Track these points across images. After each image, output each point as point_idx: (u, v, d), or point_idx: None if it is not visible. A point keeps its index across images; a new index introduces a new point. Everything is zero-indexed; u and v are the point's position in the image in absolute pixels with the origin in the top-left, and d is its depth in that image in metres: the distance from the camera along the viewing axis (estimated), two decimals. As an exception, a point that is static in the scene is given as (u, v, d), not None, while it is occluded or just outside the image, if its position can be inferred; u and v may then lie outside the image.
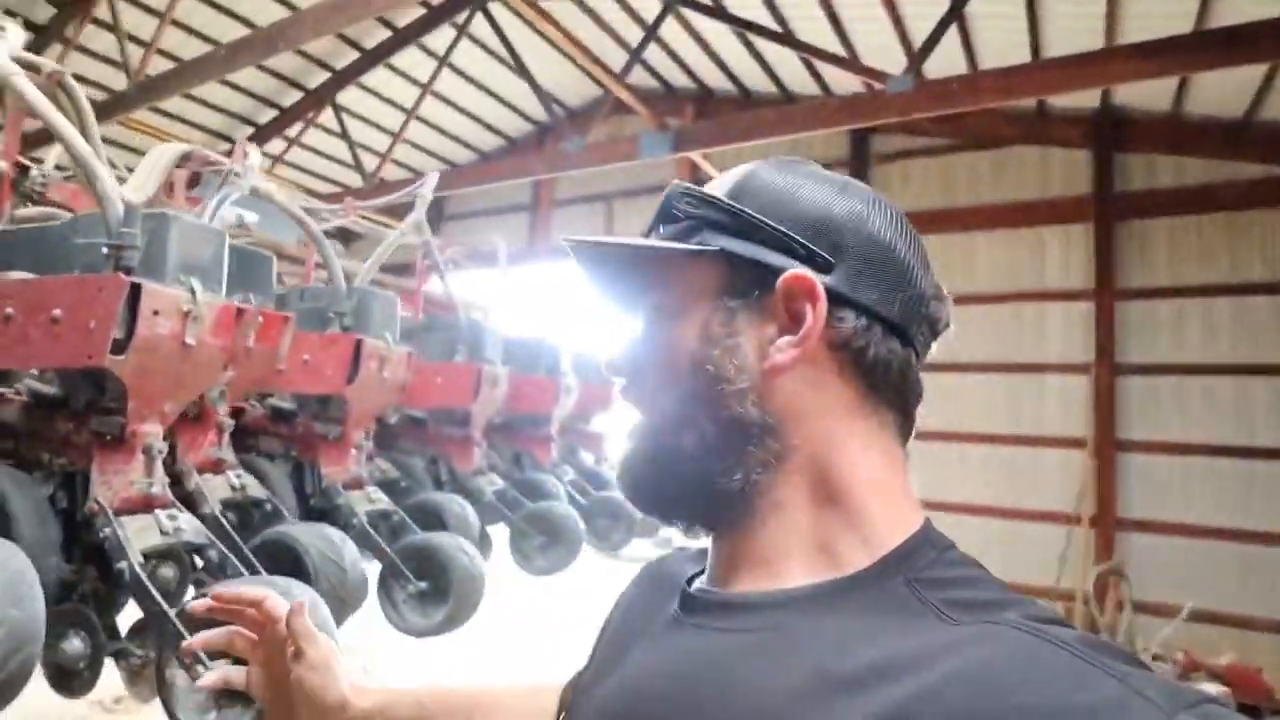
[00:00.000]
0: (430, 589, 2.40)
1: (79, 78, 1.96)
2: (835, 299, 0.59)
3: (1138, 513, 6.51)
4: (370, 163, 8.30)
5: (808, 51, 5.63)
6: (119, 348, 1.56)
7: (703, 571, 0.66)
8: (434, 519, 2.88)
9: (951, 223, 7.43)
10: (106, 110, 5.49)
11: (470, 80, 8.87)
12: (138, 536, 1.80)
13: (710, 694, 0.54)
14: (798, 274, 0.58)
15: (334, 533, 2.22)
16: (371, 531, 2.37)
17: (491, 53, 8.17)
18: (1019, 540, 6.88)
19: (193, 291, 1.73)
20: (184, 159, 2.09)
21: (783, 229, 0.60)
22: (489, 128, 9.84)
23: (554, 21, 5.55)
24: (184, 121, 8.91)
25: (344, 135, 8.32)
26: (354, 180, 8.40)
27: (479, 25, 7.53)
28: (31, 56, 1.83)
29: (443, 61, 7.79)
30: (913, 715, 0.45)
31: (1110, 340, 6.66)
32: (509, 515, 3.88)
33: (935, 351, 0.64)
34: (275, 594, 0.91)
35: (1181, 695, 0.44)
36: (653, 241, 0.64)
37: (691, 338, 0.62)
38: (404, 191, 4.27)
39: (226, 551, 1.96)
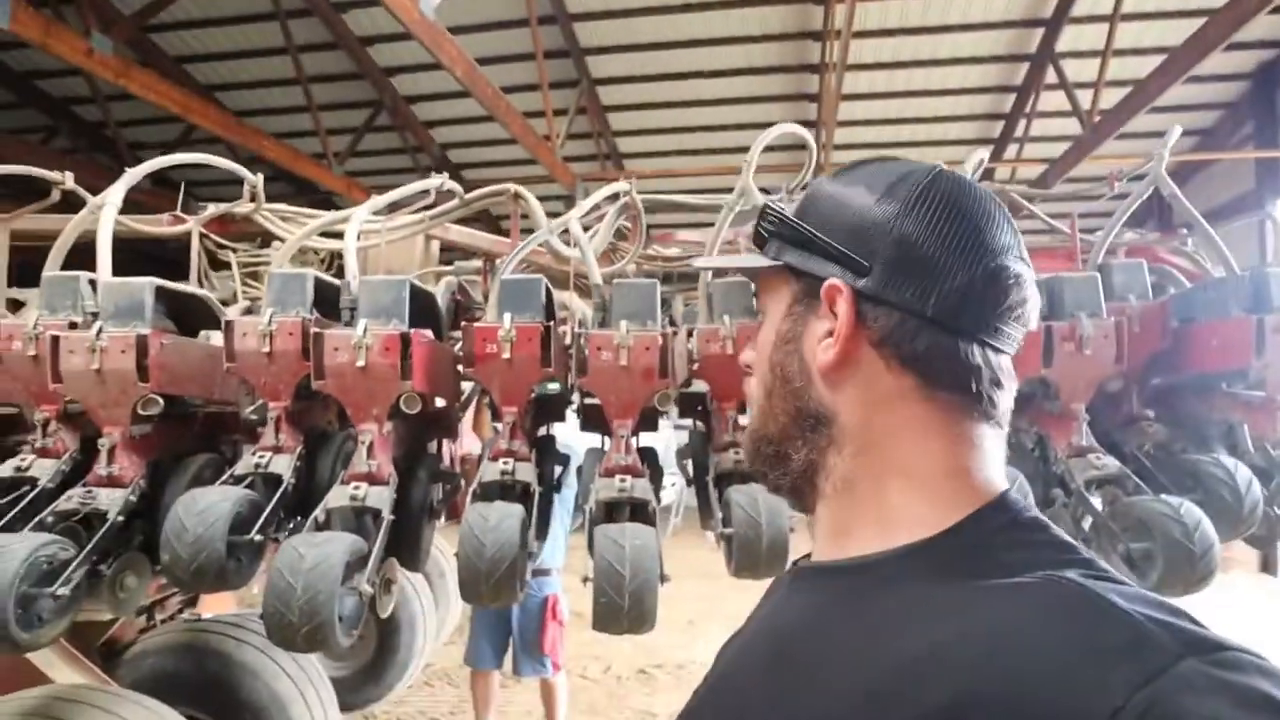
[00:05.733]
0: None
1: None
2: (869, 300, 0.64)
3: None
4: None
5: None
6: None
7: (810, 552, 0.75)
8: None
9: None
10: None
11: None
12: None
13: (796, 644, 0.65)
14: (832, 282, 0.65)
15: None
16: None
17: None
18: None
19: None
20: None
21: (827, 240, 0.66)
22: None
23: None
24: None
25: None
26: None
27: None
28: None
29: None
30: (936, 665, 0.51)
31: None
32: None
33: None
34: None
35: (1199, 642, 0.45)
36: (730, 260, 0.85)
37: (770, 341, 0.72)
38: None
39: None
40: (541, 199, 2.56)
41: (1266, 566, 8.00)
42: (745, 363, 0.78)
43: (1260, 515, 2.11)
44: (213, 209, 2.88)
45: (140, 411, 1.88)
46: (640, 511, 1.97)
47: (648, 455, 2.18)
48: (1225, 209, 8.42)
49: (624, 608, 1.67)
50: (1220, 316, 2.32)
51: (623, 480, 1.99)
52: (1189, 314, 2.44)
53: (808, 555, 0.75)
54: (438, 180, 2.55)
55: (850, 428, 0.66)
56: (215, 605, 3.53)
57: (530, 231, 2.35)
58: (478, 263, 3.21)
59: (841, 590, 0.65)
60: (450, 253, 3.38)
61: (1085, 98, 7.37)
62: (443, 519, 2.25)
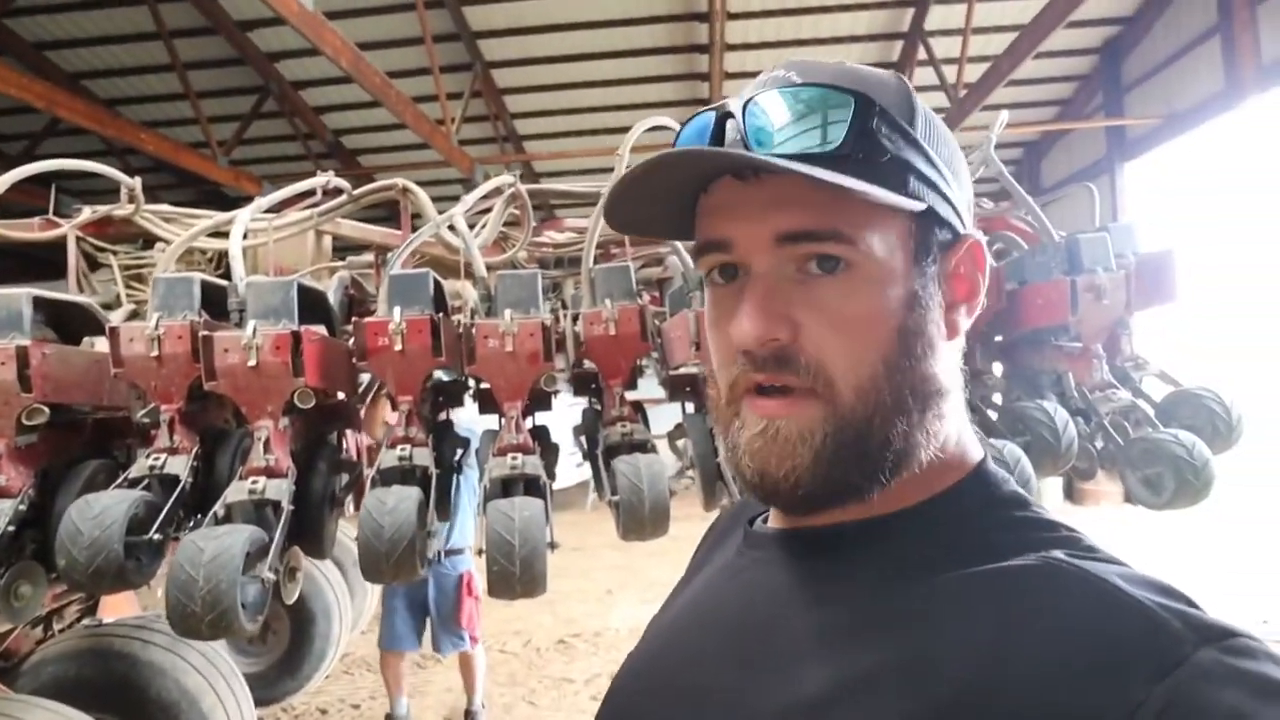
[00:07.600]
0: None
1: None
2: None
3: None
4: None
5: None
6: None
7: (766, 512, 0.66)
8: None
9: None
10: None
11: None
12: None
13: (765, 621, 0.57)
14: (978, 240, 0.57)
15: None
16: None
17: None
18: None
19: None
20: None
21: (957, 186, 0.57)
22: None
23: None
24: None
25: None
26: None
27: None
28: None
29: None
30: (937, 658, 0.46)
31: None
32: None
33: None
34: None
35: (1212, 629, 0.42)
36: (860, 184, 0.50)
37: (894, 299, 0.53)
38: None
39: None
40: (439, 183, 2.64)
41: (1129, 499, 8.85)
42: (767, 336, 0.53)
43: (1077, 451, 2.44)
44: (88, 212, 2.82)
45: (25, 422, 1.89)
46: (533, 486, 2.13)
47: (540, 433, 2.33)
48: (1084, 173, 9.13)
49: (516, 573, 1.82)
50: (1044, 278, 2.63)
51: (514, 458, 2.13)
52: (1021, 276, 2.74)
53: (763, 518, 0.66)
54: (323, 179, 2.60)
55: (944, 401, 0.56)
56: (116, 610, 3.48)
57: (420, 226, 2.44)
58: (370, 256, 3.25)
59: (813, 564, 0.57)
60: (345, 249, 3.40)
61: (951, 73, 7.84)
62: (350, 508, 2.34)
